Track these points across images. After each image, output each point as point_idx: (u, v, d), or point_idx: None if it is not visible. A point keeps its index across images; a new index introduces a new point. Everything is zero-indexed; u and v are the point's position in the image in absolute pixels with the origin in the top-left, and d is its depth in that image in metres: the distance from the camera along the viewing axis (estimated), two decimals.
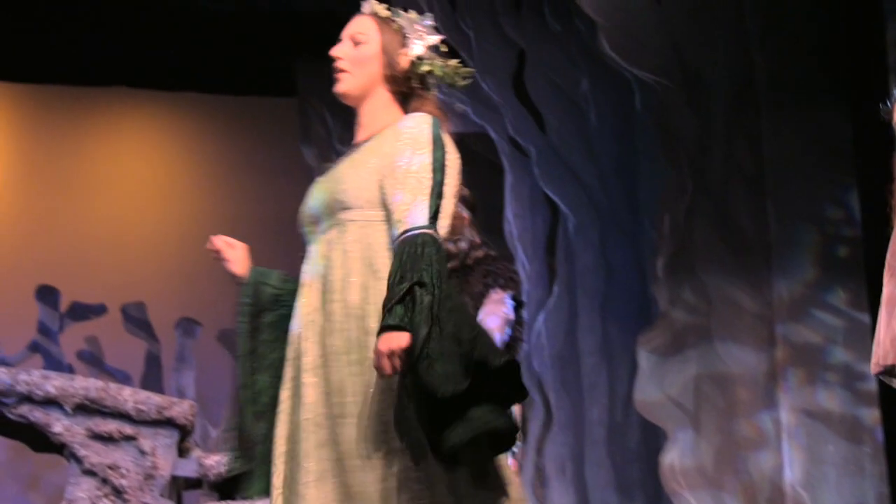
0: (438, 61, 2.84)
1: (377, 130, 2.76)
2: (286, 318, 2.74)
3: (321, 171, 2.85)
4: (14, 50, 7.69)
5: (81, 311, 7.97)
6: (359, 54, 2.82)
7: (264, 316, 2.83)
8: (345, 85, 2.81)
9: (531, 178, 6.53)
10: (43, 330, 7.86)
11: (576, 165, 6.33)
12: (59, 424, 4.69)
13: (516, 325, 4.25)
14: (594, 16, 5.54)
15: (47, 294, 7.98)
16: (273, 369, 2.74)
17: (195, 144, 8.52)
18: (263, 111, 8.50)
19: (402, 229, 2.52)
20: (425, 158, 2.61)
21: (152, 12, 7.39)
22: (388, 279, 2.45)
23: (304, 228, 2.84)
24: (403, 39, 2.84)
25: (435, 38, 2.85)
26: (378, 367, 2.39)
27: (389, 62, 2.81)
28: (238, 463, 2.73)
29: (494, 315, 4.18)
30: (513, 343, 4.26)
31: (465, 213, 4.39)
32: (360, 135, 2.81)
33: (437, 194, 2.58)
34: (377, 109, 2.81)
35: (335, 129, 7.90)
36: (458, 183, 2.67)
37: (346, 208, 2.69)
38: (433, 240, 2.49)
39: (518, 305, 4.30)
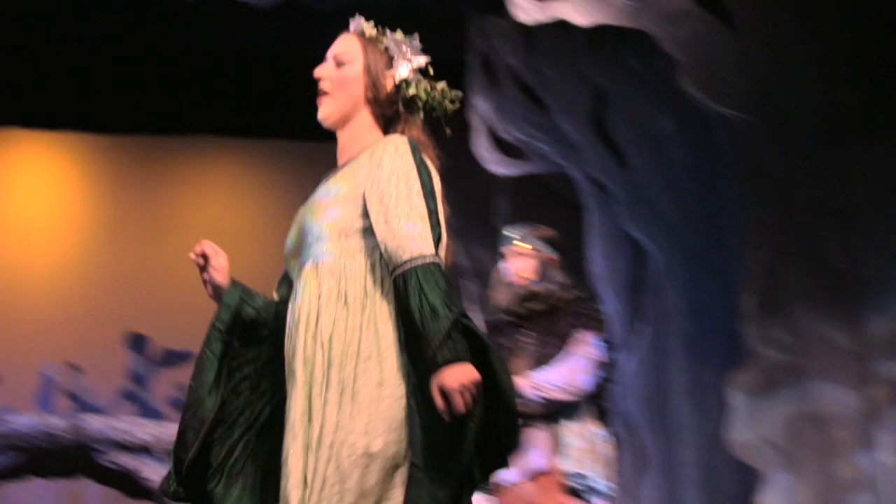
0: (425, 84, 2.73)
1: (354, 154, 2.64)
2: (260, 342, 2.63)
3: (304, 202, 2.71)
4: (103, 103, 7.88)
5: (171, 358, 8.05)
6: (341, 75, 2.70)
7: (237, 336, 2.65)
8: (326, 109, 2.70)
9: (614, 217, 6.48)
10: (134, 377, 7.95)
11: (660, 204, 6.27)
12: (152, 470, 4.74)
13: (606, 366, 4.22)
14: (674, 53, 5.50)
15: (137, 341, 8.07)
16: (238, 389, 2.61)
17: (278, 190, 8.59)
18: (332, 157, 8.58)
19: (405, 257, 2.39)
20: (414, 184, 2.49)
21: (239, 62, 7.50)
22: (413, 311, 2.34)
23: (288, 264, 2.69)
24: (389, 60, 2.72)
25: (422, 60, 2.74)
26: (453, 406, 2.27)
27: (373, 83, 2.68)
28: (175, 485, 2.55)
29: (581, 356, 4.15)
30: (603, 385, 4.23)
31: (553, 255, 4.39)
32: (339, 160, 2.69)
33: (435, 222, 2.47)
34: (358, 132, 2.68)
35: None
36: (443, 205, 2.56)
37: (319, 238, 2.57)
38: (438, 268, 2.39)
39: (606, 346, 4.27)
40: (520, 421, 2.43)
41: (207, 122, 8.05)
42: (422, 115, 2.74)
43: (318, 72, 2.71)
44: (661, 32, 5.43)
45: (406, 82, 2.71)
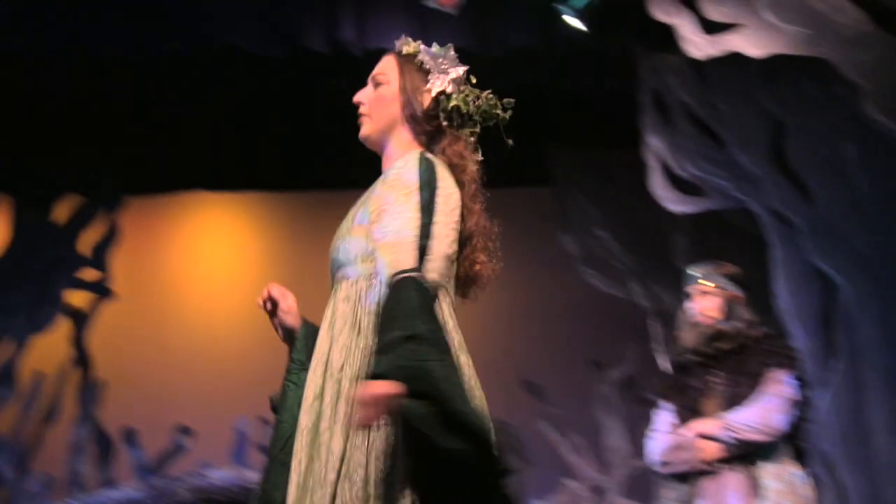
0: (465, 95, 2.66)
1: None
2: None
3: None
4: (275, 162, 8.17)
5: None
6: (378, 95, 2.66)
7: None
8: (365, 129, 2.67)
9: (799, 250, 6.29)
10: None
11: (847, 234, 6.06)
12: None
13: (801, 404, 4.09)
14: (857, 79, 5.34)
15: None
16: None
17: None
18: (516, 201, 8.60)
19: (387, 275, 2.33)
20: (411, 199, 2.43)
21: None
22: (379, 329, 2.29)
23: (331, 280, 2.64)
24: (425, 76, 2.66)
25: (460, 70, 2.67)
26: (360, 417, 2.20)
27: (409, 101, 2.64)
28: None
29: (775, 395, 4.03)
30: (799, 424, 4.09)
31: (739, 292, 4.29)
32: None
33: (423, 235, 2.39)
34: (395, 152, 2.62)
35: (594, 214, 7.88)
36: (456, 219, 2.49)
37: (340, 265, 2.54)
38: (414, 282, 2.30)
39: (800, 384, 4.13)
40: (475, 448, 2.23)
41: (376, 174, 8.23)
42: (476, 127, 2.69)
43: (357, 96, 2.69)
44: (840, 58, 5.28)
45: (444, 95, 2.64)
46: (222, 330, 8.67)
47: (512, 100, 2.71)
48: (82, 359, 8.71)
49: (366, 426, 2.25)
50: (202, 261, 9.13)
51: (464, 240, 2.56)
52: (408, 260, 2.35)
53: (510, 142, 2.68)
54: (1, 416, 8.34)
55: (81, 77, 7.15)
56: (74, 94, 7.47)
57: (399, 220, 2.40)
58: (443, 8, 6.04)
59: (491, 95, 2.69)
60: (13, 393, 8.33)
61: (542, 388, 8.33)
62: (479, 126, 2.69)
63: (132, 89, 7.48)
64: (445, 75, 2.65)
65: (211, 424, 8.24)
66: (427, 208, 2.42)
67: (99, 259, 8.84)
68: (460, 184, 2.56)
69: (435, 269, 2.40)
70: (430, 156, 2.53)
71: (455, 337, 2.44)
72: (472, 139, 2.69)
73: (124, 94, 7.56)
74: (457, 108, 2.64)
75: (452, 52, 2.68)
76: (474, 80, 2.70)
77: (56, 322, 8.54)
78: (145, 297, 8.89)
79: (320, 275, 8.87)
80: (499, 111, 2.70)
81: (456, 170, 2.58)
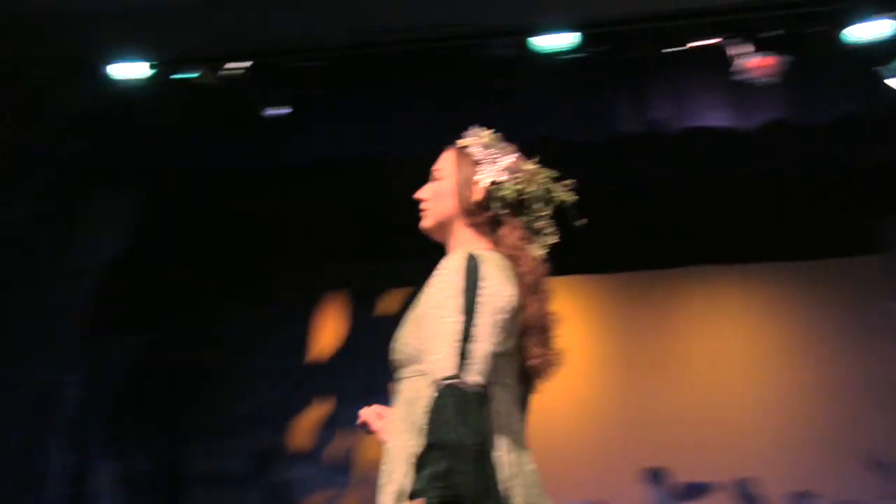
0: (516, 183, 2.65)
1: None
2: None
3: None
4: (602, 245, 8.22)
5: (692, 491, 8.00)
6: (435, 191, 2.72)
7: None
8: (424, 222, 2.73)
9: None
10: None
11: None
12: None
13: None
14: None
15: (656, 476, 8.12)
16: None
17: (771, 313, 8.40)
18: (839, 271, 8.28)
19: (430, 382, 2.38)
20: (452, 301, 2.44)
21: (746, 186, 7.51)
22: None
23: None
24: (476, 167, 2.68)
25: (509, 160, 2.67)
26: None
27: (462, 195, 2.67)
28: None
29: None
30: None
31: None
32: None
33: (464, 338, 2.39)
34: (454, 246, 2.67)
35: None
36: (504, 317, 2.47)
37: (399, 366, 2.59)
38: (454, 390, 2.33)
39: None
40: None
41: (692, 254, 8.10)
42: (538, 213, 2.68)
43: (418, 192, 2.77)
44: None
45: (496, 185, 2.65)
46: (548, 412, 8.76)
47: (571, 181, 2.70)
48: None
49: None
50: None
51: (520, 334, 2.57)
52: (447, 367, 2.37)
53: (579, 222, 2.68)
54: (344, 501, 8.67)
55: None
56: None
57: (439, 324, 2.43)
58: (759, 80, 5.94)
59: (545, 178, 2.69)
60: (354, 479, 8.69)
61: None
62: (542, 210, 2.69)
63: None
64: (494, 165, 2.67)
65: None
66: (469, 310, 2.43)
67: None
68: (519, 276, 2.58)
69: (478, 371, 2.39)
70: (478, 253, 2.53)
71: (506, 437, 2.51)
72: (541, 223, 2.70)
73: None
74: (507, 197, 2.65)
75: (501, 141, 2.72)
76: (529, 167, 2.70)
77: None
78: None
79: (651, 354, 8.70)
80: (557, 193, 2.70)
81: (514, 261, 2.60)
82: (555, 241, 2.70)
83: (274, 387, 9.05)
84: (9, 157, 7.27)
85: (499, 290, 2.50)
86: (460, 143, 2.75)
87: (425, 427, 2.34)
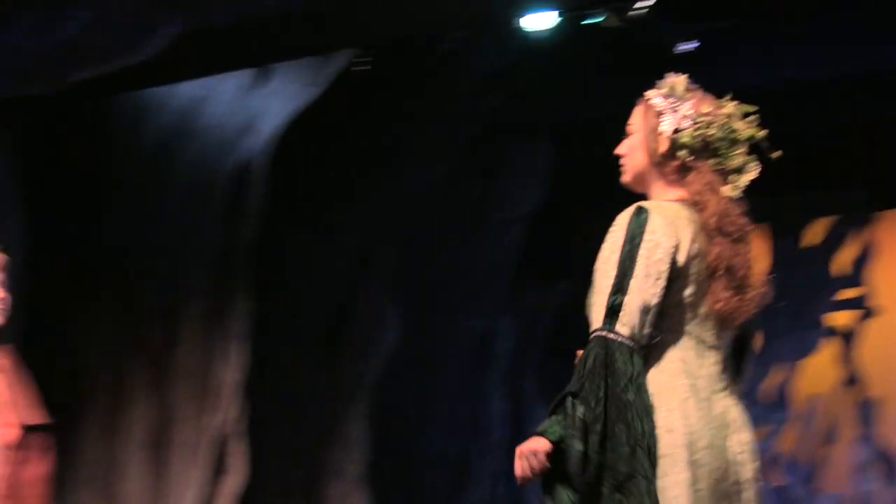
0: (696, 129, 2.69)
1: None
2: None
3: None
4: None
5: None
6: (629, 145, 2.81)
7: None
8: (623, 177, 2.84)
9: None
10: None
11: None
12: None
13: None
14: None
15: None
16: None
17: None
18: None
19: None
20: (614, 256, 2.56)
21: None
22: None
23: None
24: (658, 119, 2.74)
25: (688, 107, 2.72)
26: (516, 468, 2.49)
27: (649, 147, 2.75)
28: None
29: None
30: None
31: None
32: None
33: (615, 291, 2.52)
34: (652, 197, 2.75)
35: None
36: (661, 269, 2.55)
37: (590, 322, 2.64)
38: (600, 341, 2.50)
39: None
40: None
41: None
42: (727, 155, 2.72)
43: (617, 150, 2.86)
44: None
45: (678, 132, 2.71)
46: None
47: (751, 107, 2.74)
48: (853, 378, 8.64)
49: (520, 477, 2.50)
50: None
51: (705, 280, 2.62)
52: (598, 319, 2.54)
53: (774, 154, 2.74)
54: (782, 437, 8.80)
55: None
56: None
57: (600, 278, 2.58)
58: None
59: (725, 121, 2.72)
60: (790, 415, 8.78)
61: None
62: (734, 150, 2.73)
63: None
64: (675, 114, 2.73)
65: None
66: (627, 262, 2.55)
67: (856, 277, 8.73)
68: (702, 222, 2.64)
69: (627, 323, 2.51)
70: (649, 205, 2.63)
71: (691, 382, 2.59)
72: (736, 162, 2.74)
73: None
74: (689, 143, 2.71)
75: (682, 88, 2.76)
76: (717, 107, 2.73)
77: (821, 344, 8.72)
78: None
79: None
80: (742, 131, 2.73)
81: (698, 207, 2.66)
82: (754, 177, 2.74)
83: None
84: (437, 117, 7.73)
85: (662, 242, 2.58)
86: (646, 94, 2.82)
87: (579, 374, 2.50)
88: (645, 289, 2.53)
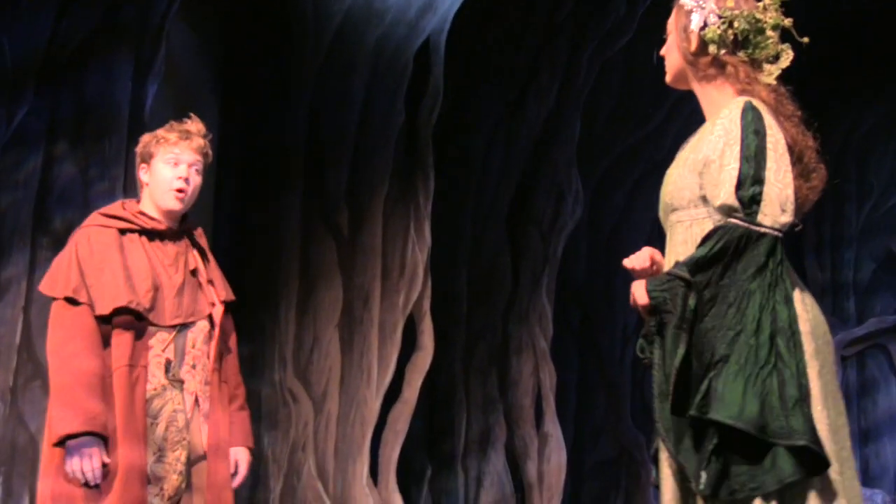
0: (723, 22, 2.77)
1: (708, 117, 2.83)
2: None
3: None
4: None
5: None
6: (667, 47, 2.94)
7: None
8: (667, 77, 2.97)
9: None
10: None
11: None
12: None
13: None
14: None
15: None
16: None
17: None
18: None
19: (716, 221, 2.65)
20: (735, 149, 2.64)
21: None
22: None
23: (662, 222, 2.90)
24: (688, 19, 2.84)
25: (712, 3, 2.80)
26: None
27: (682, 46, 2.86)
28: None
29: None
30: None
31: None
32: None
33: (751, 181, 2.59)
34: (701, 95, 2.87)
35: None
36: (788, 161, 2.64)
37: (674, 209, 2.78)
38: (736, 229, 2.59)
39: None
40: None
41: None
42: (759, 45, 2.79)
43: (660, 51, 2.98)
44: None
45: (706, 27, 2.80)
46: None
47: (777, 3, 2.80)
48: None
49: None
50: None
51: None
52: (733, 206, 2.60)
53: (805, 39, 2.81)
54: None
55: None
56: None
57: (727, 172, 2.63)
58: None
59: (750, 12, 2.79)
60: None
61: None
62: (764, 39, 2.81)
63: None
64: (703, 10, 2.82)
65: None
66: (755, 155, 2.63)
67: None
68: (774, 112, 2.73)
69: (771, 212, 2.60)
70: (755, 103, 2.69)
71: (786, 284, 2.62)
72: (768, 51, 2.82)
73: None
74: (717, 38, 2.79)
75: None
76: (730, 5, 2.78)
77: None
78: None
79: None
80: (767, 20, 2.80)
81: (748, 94, 2.75)
82: (788, 63, 2.82)
83: None
84: None
85: (780, 137, 2.67)
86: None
87: (697, 251, 2.62)
88: (782, 179, 2.63)
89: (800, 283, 2.71)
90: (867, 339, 9.29)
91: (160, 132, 3.64)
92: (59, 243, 5.00)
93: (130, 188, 5.29)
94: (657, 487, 2.78)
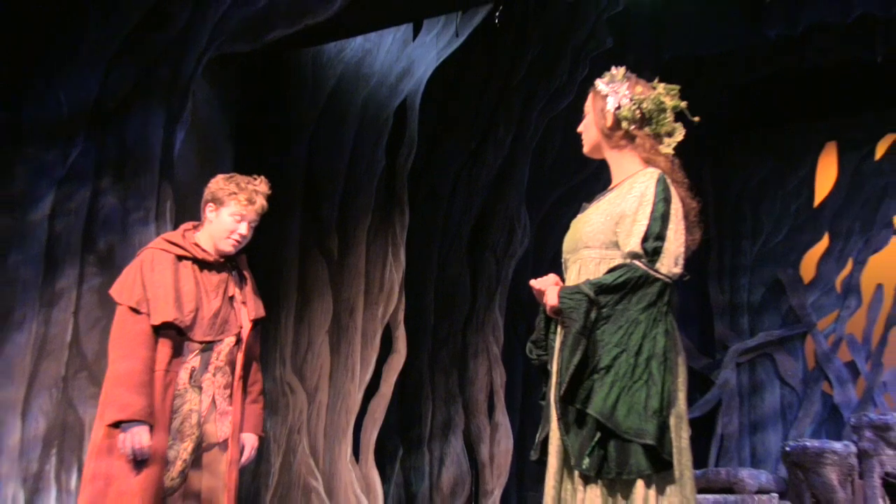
0: (633, 105, 3.06)
1: (618, 183, 3.10)
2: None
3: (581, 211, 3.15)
4: None
5: None
6: (584, 124, 3.23)
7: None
8: (584, 149, 3.24)
9: None
10: None
11: None
12: None
13: None
14: None
15: None
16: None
17: None
18: None
19: (620, 260, 2.91)
20: (647, 209, 2.91)
21: None
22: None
23: (563, 258, 3.19)
24: (604, 101, 3.14)
25: (625, 88, 3.10)
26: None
27: (599, 123, 3.15)
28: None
29: None
30: None
31: None
32: (612, 184, 3.13)
33: (655, 237, 2.88)
34: (614, 164, 3.15)
35: None
36: (685, 227, 2.93)
37: (586, 246, 3.04)
38: (636, 269, 2.85)
39: None
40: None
41: None
42: (661, 121, 3.11)
43: (578, 129, 3.29)
44: None
45: (620, 108, 3.11)
46: None
47: (675, 86, 3.15)
48: None
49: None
50: None
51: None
52: (637, 252, 2.92)
53: (695, 119, 3.18)
54: (853, 321, 9.55)
55: None
56: None
57: (639, 226, 2.95)
58: None
59: (655, 96, 3.12)
60: (859, 302, 9.57)
61: None
62: (665, 118, 3.14)
63: None
64: (616, 94, 3.14)
65: None
66: (662, 217, 2.94)
67: None
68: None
69: (668, 265, 2.92)
70: (665, 176, 3.04)
71: (669, 321, 2.96)
72: (667, 127, 3.16)
73: None
74: (629, 116, 3.11)
75: (620, 75, 3.18)
76: (640, 90, 3.11)
77: (891, 241, 9.27)
78: None
79: None
80: (668, 102, 3.12)
81: (651, 163, 3.11)
82: (681, 138, 3.14)
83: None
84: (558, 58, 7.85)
85: (679, 207, 3.00)
86: (594, 84, 3.25)
87: (604, 277, 2.91)
88: (678, 240, 2.94)
89: (676, 328, 3.00)
90: (757, 349, 10.06)
91: (234, 185, 3.75)
92: (102, 261, 5.56)
93: (160, 217, 5.76)
94: (538, 462, 3.08)
